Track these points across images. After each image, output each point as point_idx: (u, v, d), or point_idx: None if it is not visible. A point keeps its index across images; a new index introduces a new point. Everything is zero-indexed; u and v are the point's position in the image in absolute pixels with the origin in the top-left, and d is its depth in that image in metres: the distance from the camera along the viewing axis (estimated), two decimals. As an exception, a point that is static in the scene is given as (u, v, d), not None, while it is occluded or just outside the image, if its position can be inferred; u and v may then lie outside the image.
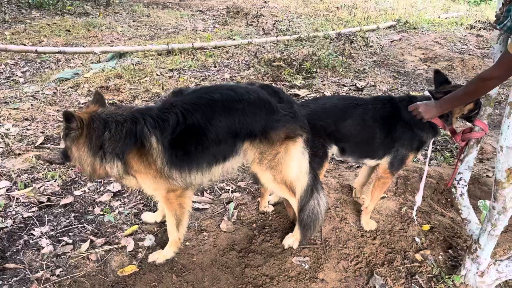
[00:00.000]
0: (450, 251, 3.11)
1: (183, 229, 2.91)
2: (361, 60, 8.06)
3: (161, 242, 3.16)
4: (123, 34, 9.66)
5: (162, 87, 6.18)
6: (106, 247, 3.09)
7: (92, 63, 7.41)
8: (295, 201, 2.91)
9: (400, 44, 9.46)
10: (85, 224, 3.35)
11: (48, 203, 3.58)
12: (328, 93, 6.17)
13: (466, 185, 2.86)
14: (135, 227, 3.29)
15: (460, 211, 2.82)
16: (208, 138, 2.64)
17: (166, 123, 2.60)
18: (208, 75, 6.93)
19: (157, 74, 6.87)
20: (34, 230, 3.29)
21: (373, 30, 10.92)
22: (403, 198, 3.68)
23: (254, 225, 3.29)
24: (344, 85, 6.61)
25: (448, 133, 2.95)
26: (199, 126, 2.62)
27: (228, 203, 3.59)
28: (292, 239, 3.02)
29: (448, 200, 3.88)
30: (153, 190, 2.79)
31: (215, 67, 7.37)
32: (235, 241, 3.13)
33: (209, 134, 2.63)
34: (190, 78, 6.73)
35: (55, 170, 4.06)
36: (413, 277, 2.84)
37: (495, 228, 2.41)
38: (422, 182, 3.15)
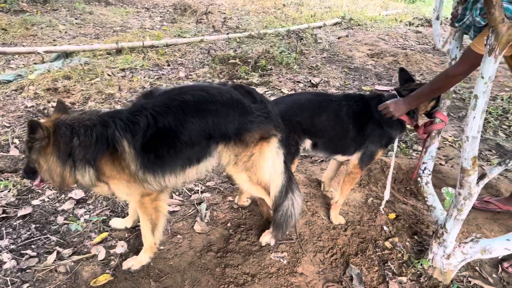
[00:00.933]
0: (416, 237, 3.29)
1: (159, 233, 2.84)
2: (312, 57, 8.24)
3: (134, 248, 3.07)
4: (65, 32, 9.18)
5: (119, 87, 5.96)
6: (75, 257, 2.95)
7: (35, 63, 6.99)
8: (270, 201, 2.93)
9: (347, 41, 9.77)
10: (48, 235, 3.18)
11: (3, 215, 3.35)
12: (285, 90, 6.25)
13: (430, 174, 3.04)
14: (105, 234, 3.17)
15: (426, 199, 2.99)
16: (180, 140, 2.58)
17: (136, 126, 2.52)
18: (163, 74, 6.77)
19: (108, 74, 6.61)
20: (-8, 245, 3.07)
21: (320, 27, 11.19)
22: (368, 189, 3.83)
23: (228, 224, 3.28)
24: (299, 82, 6.73)
25: (411, 127, 3.11)
26: (170, 128, 2.55)
27: (199, 204, 3.55)
28: (268, 237, 3.04)
29: (407, 188, 4.09)
30: (126, 195, 2.70)
31: (168, 65, 7.22)
32: (211, 242, 3.10)
33: (181, 136, 2.57)
34: (144, 77, 6.54)
35: (7, 179, 3.80)
36: (386, 264, 2.97)
37: (461, 213, 2.58)
38: (389, 178, 3.30)
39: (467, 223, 3.41)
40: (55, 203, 3.54)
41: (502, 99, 6.34)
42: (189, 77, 6.70)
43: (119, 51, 7.77)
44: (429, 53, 8.83)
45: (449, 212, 2.65)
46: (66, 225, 3.28)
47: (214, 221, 3.34)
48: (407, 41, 9.96)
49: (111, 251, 3.03)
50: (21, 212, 3.40)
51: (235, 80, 6.60)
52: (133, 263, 2.88)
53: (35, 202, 3.55)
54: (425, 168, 3.03)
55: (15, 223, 3.29)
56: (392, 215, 3.46)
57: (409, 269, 2.91)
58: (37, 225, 3.29)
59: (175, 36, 9.28)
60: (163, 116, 2.54)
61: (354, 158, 3.12)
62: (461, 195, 2.50)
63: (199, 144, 2.66)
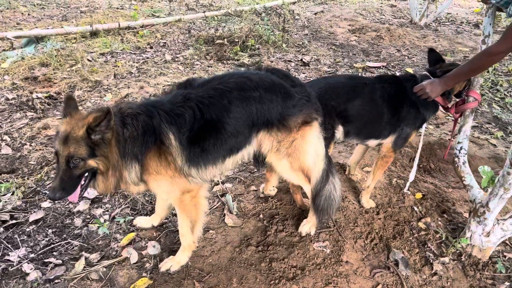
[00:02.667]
0: (445, 215, 3.31)
1: (199, 231, 2.69)
2: (295, 34, 8.09)
3: (167, 248, 2.91)
4: (28, 15, 8.51)
5: (114, 75, 5.60)
6: (105, 262, 2.76)
7: (4, 50, 6.43)
8: (309, 187, 2.84)
9: (325, 16, 9.67)
10: (69, 240, 2.95)
11: (13, 222, 3.07)
12: (278, 70, 6.11)
13: (466, 154, 3.04)
14: (132, 235, 2.98)
15: (463, 178, 3.00)
16: (226, 132, 2.45)
17: (181, 119, 2.34)
18: (147, 58, 6.43)
19: (88, 60, 6.19)
20: (8, 255, 2.81)
21: (294, 3, 11.01)
22: (388, 170, 3.81)
23: (260, 215, 3.17)
24: (290, 61, 6.59)
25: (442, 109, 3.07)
26: (217, 120, 2.41)
27: (222, 195, 3.40)
28: (308, 226, 2.96)
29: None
30: (167, 193, 2.52)
31: (151, 48, 6.86)
32: (247, 235, 2.99)
33: (227, 127, 2.44)
34: (128, 62, 6.18)
35: (7, 181, 3.48)
36: (425, 246, 2.98)
37: (508, 192, 2.60)
38: (416, 159, 3.29)
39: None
40: (67, 204, 3.28)
41: (488, 71, 6.49)
42: (176, 59, 6.40)
43: (94, 34, 7.29)
44: (407, 27, 8.90)
45: (494, 191, 2.66)
46: (86, 228, 3.05)
47: (243, 213, 3.22)
48: (384, 15, 10.00)
49: (143, 252, 2.85)
50: (32, 217, 3.13)
51: (224, 62, 6.38)
52: (172, 263, 2.72)
53: (45, 204, 3.28)
54: (461, 148, 3.03)
55: (28, 229, 3.03)
56: (419, 195, 3.47)
57: (449, 249, 2.93)
58: (54, 230, 3.04)
59: (149, 16, 8.82)
60: (209, 107, 2.39)
61: (388, 141, 3.07)
62: (511, 175, 2.51)
63: (243, 133, 2.53)
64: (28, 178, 3.54)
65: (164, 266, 2.72)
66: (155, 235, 3.02)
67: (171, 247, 2.92)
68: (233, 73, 2.63)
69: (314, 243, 2.89)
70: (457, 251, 2.92)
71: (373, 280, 2.70)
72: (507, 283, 2.75)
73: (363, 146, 3.42)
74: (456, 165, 3.02)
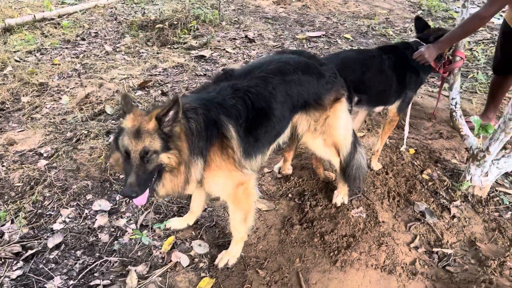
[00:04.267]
0: (439, 164, 3.72)
1: (251, 221, 2.70)
2: (225, 11, 8.00)
3: (211, 244, 2.87)
4: None
5: (59, 74, 5.04)
6: (158, 271, 2.65)
7: None
8: (338, 160, 2.98)
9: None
10: (105, 257, 2.75)
11: (31, 252, 2.77)
12: (230, 50, 6.06)
13: (460, 107, 3.42)
14: (171, 238, 2.87)
15: (460, 130, 3.39)
16: (275, 117, 2.49)
17: (236, 110, 2.33)
18: (84, 51, 5.91)
19: (16, 60, 5.51)
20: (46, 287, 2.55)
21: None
22: (375, 132, 4.12)
23: (289, 195, 3.25)
24: (235, 39, 6.55)
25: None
26: (267, 107, 2.43)
27: (240, 182, 3.40)
28: (341, 196, 3.13)
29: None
30: (223, 188, 2.48)
31: (83, 40, 6.30)
32: (285, 216, 3.06)
33: (276, 113, 2.48)
34: (65, 58, 5.62)
35: (-2, 209, 3.09)
36: (438, 194, 3.34)
37: (507, 135, 3.02)
38: (407, 117, 3.61)
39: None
40: (81, 222, 3.03)
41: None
42: (118, 50, 5.98)
43: (7, 30, 6.46)
44: (325, -6, 9.29)
45: (495, 136, 3.07)
46: (116, 242, 2.87)
47: (270, 196, 3.27)
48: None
49: (191, 253, 2.79)
50: (51, 243, 2.85)
51: (170, 47, 6.13)
52: (228, 257, 2.71)
53: (56, 226, 2.99)
54: (456, 103, 3.40)
55: (52, 256, 2.75)
56: (412, 151, 3.83)
57: (457, 193, 3.32)
58: (83, 251, 2.81)
59: (58, 4, 8.00)
60: (258, 96, 2.39)
61: (394, 106, 3.32)
62: (512, 120, 2.92)
63: (286, 117, 2.59)
64: (20, 202, 3.17)
65: (221, 262, 2.69)
66: (194, 234, 2.95)
67: (216, 242, 2.89)
68: (270, 59, 2.62)
69: (351, 211, 3.07)
70: (463, 194, 3.33)
71: (410, 233, 2.98)
72: (510, 212, 3.23)
73: (364, 113, 3.65)
74: (454, 118, 3.40)
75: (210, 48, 6.05)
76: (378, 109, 3.35)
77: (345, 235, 2.86)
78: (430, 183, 3.43)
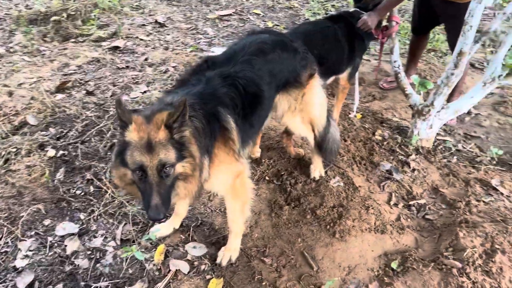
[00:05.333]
0: (384, 124, 3.99)
1: (248, 213, 2.61)
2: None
3: (205, 243, 2.73)
4: None
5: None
6: (159, 285, 2.45)
7: None
8: (312, 136, 3.01)
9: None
10: (93, 284, 2.46)
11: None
12: (143, 37, 5.66)
13: (402, 69, 3.67)
14: (161, 247, 2.66)
15: (405, 89, 3.64)
16: (266, 100, 2.45)
17: (229, 99, 2.21)
18: (-31, 56, 5.01)
19: None
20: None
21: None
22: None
23: (266, 178, 3.21)
24: (144, 25, 6.13)
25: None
26: (259, 91, 2.38)
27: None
28: (318, 170, 3.17)
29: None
30: (223, 182, 2.36)
31: (-38, 44, 5.33)
32: (270, 199, 3.03)
33: (266, 95, 2.43)
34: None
35: None
36: (395, 152, 3.59)
37: (450, 89, 3.34)
38: (356, 85, 3.79)
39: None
40: (49, 252, 2.64)
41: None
42: (12, 50, 5.19)
43: None
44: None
45: (439, 91, 3.37)
46: (99, 264, 2.57)
47: (246, 182, 3.20)
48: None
49: (188, 258, 2.62)
50: (21, 283, 2.44)
51: (75, 40, 5.51)
52: (230, 253, 2.60)
53: (20, 263, 2.56)
54: (398, 65, 3.64)
55: (28, 299, 2.37)
56: (359, 115, 4.03)
57: (409, 148, 3.61)
58: (64, 283, 2.46)
59: None
60: (248, 80, 2.31)
61: (345, 74, 3.44)
62: (454, 75, 3.23)
63: (272, 98, 2.54)
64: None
65: (224, 259, 2.58)
66: (183, 237, 2.77)
67: (209, 241, 2.76)
68: (248, 41, 2.51)
69: (330, 182, 3.15)
70: (414, 148, 3.63)
71: (385, 192, 3.18)
72: (455, 157, 3.61)
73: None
74: (399, 79, 3.64)
75: (122, 38, 5.58)
76: (331, 79, 3.45)
77: (334, 206, 2.93)
78: (385, 143, 3.67)
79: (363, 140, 3.68)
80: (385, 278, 2.51)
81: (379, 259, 2.67)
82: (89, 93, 4.25)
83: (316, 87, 2.80)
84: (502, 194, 3.16)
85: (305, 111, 2.80)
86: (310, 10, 6.94)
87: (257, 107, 2.35)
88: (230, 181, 2.37)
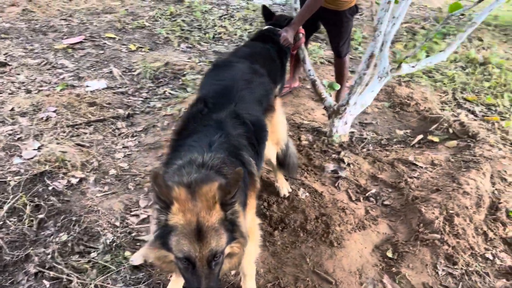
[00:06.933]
0: (302, 128, 4.24)
1: (259, 250, 2.48)
2: None
3: None
4: None
5: None
6: None
7: None
8: (275, 155, 3.03)
9: None
10: None
11: None
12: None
13: (316, 76, 3.93)
14: None
15: (321, 94, 3.91)
16: (266, 130, 2.44)
17: (245, 138, 2.18)
18: None
19: None
20: None
21: None
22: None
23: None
24: None
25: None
26: (261, 122, 2.40)
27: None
28: (285, 187, 3.20)
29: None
30: (249, 226, 2.20)
31: None
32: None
33: (265, 125, 2.45)
34: None
35: None
36: (327, 152, 3.86)
37: (362, 87, 3.76)
38: None
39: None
40: None
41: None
42: None
43: None
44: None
45: (353, 90, 3.76)
46: None
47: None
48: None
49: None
50: None
51: None
52: (253, 298, 2.45)
53: None
54: (313, 74, 3.87)
55: None
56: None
57: (335, 145, 3.94)
58: None
59: None
60: (251, 115, 2.31)
61: (277, 91, 3.53)
62: (366, 75, 3.66)
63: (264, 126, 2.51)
64: None
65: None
66: None
67: (220, 293, 2.52)
68: (233, 73, 2.37)
69: (298, 195, 3.21)
70: (338, 145, 3.98)
71: (342, 191, 3.41)
72: (370, 145, 4.10)
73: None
74: (316, 86, 3.91)
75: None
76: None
77: (317, 217, 3.02)
78: (314, 146, 3.92)
79: (296, 148, 3.84)
80: (392, 268, 2.74)
81: (374, 253, 2.89)
82: (-37, 166, 3.29)
83: (279, 106, 2.84)
84: (421, 167, 3.75)
85: (275, 132, 2.81)
86: (164, 28, 6.74)
87: (263, 138, 2.32)
88: (251, 223, 2.22)
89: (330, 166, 3.64)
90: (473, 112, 4.90)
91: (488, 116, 4.83)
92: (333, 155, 3.82)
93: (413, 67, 3.92)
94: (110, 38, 6.21)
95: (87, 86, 4.76)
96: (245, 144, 2.08)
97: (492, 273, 2.79)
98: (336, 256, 2.78)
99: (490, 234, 3.04)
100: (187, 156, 1.86)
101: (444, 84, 5.48)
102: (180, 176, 1.75)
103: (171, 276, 2.47)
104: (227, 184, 1.63)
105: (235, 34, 6.82)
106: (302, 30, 3.91)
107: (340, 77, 4.54)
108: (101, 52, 5.74)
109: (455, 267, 2.79)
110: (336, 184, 3.46)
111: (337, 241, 2.86)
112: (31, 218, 2.84)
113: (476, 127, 4.34)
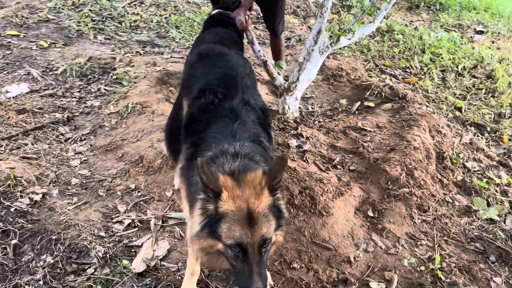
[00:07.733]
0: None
1: None
2: None
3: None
4: None
5: None
6: None
7: None
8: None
9: None
10: None
11: None
12: None
13: (266, 55, 3.97)
14: None
15: (272, 73, 3.97)
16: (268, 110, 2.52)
17: (259, 123, 2.22)
18: None
19: None
20: None
21: None
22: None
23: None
24: None
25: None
26: (264, 104, 2.43)
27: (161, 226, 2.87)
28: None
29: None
30: None
31: None
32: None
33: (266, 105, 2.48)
34: None
35: None
36: (286, 129, 3.98)
37: (310, 63, 3.92)
38: None
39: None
40: None
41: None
42: None
43: None
44: None
45: (302, 67, 3.91)
46: None
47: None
48: None
49: None
50: None
51: None
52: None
53: None
54: (263, 54, 3.89)
55: None
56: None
57: (290, 122, 4.08)
58: None
59: None
60: (256, 99, 2.38)
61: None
62: (315, 50, 3.82)
63: None
64: None
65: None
66: (209, 293, 2.44)
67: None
68: (223, 59, 2.37)
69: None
70: (292, 119, 4.13)
71: (309, 162, 3.57)
72: (318, 117, 4.32)
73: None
74: (268, 66, 3.96)
75: None
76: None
77: (300, 192, 3.13)
78: (272, 124, 4.00)
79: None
80: (377, 226, 2.99)
81: (357, 215, 3.12)
82: None
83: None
84: (370, 131, 4.08)
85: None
86: (72, 19, 6.19)
87: (270, 123, 2.34)
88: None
89: (294, 142, 3.77)
90: (394, 76, 5.39)
91: (407, 78, 5.36)
92: (292, 131, 3.96)
93: (349, 39, 4.19)
94: (13, 35, 5.53)
95: (7, 91, 4.23)
96: (261, 130, 2.10)
97: (455, 214, 3.20)
98: (328, 224, 2.93)
99: (444, 181, 3.46)
100: (218, 147, 1.84)
101: (364, 53, 5.92)
102: (219, 166, 1.72)
103: (182, 277, 2.42)
104: (273, 170, 1.65)
105: (151, 21, 6.53)
106: (247, 12, 3.92)
107: (278, 54, 4.65)
108: (8, 52, 5.10)
109: (427, 214, 3.14)
110: (304, 158, 3.61)
111: (325, 210, 3.01)
112: (3, 246, 2.52)
113: (403, 89, 4.80)
